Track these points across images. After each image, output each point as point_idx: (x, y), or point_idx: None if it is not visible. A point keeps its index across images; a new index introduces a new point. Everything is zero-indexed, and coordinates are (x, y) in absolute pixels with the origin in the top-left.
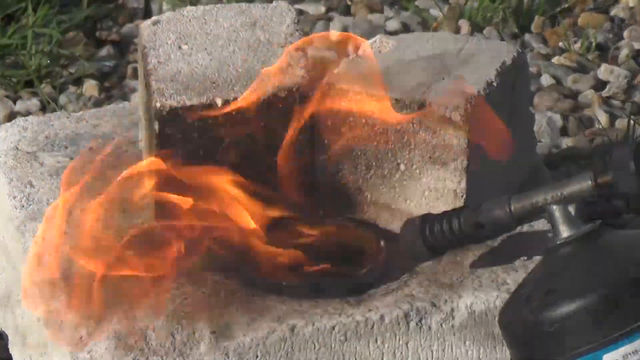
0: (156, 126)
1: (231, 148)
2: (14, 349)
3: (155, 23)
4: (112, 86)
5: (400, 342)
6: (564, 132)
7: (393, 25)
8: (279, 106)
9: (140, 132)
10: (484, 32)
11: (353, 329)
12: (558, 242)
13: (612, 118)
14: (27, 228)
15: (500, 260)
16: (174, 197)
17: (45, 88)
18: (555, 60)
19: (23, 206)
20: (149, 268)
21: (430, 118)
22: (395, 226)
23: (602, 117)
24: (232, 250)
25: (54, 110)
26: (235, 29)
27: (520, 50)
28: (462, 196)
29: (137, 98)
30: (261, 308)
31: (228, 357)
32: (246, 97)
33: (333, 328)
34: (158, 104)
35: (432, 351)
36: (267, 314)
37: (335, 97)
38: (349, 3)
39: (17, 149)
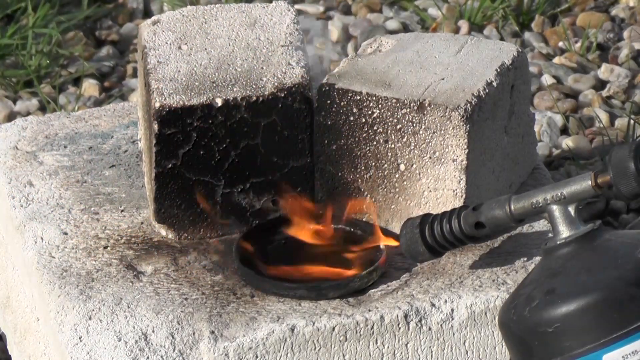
0: (155, 126)
1: (231, 148)
2: (13, 350)
3: (155, 23)
4: (112, 86)
5: (400, 342)
6: (564, 132)
7: (392, 25)
8: (278, 106)
9: (140, 132)
10: (484, 31)
11: (353, 329)
12: (558, 242)
13: (612, 118)
14: (27, 228)
15: (500, 260)
16: None
17: (45, 88)
18: (556, 60)
19: (22, 206)
20: None
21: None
22: (395, 226)
23: (603, 117)
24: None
25: (53, 110)
26: (235, 28)
27: (520, 50)
28: (462, 196)
29: (137, 97)
30: (261, 308)
31: (228, 357)
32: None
33: (333, 328)
34: (157, 104)
35: (431, 351)
36: (267, 314)
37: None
38: (349, 2)
39: (17, 148)
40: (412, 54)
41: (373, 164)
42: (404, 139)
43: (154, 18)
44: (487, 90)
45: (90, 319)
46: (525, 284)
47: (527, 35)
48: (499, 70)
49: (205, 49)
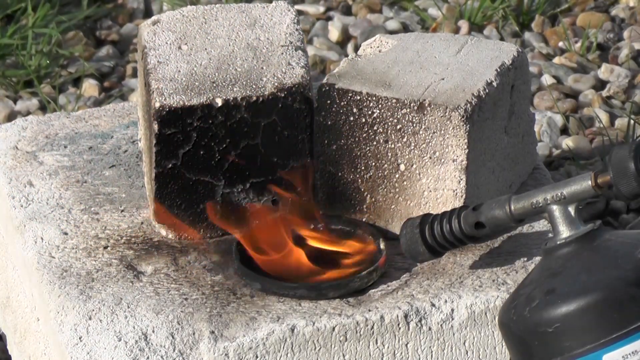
0: (155, 126)
1: (231, 148)
2: (13, 350)
3: (155, 23)
4: (112, 86)
5: (400, 342)
6: (564, 132)
7: (392, 25)
8: (278, 106)
9: (140, 132)
10: (484, 31)
11: (353, 329)
12: (558, 242)
13: (612, 118)
14: (27, 228)
15: (500, 260)
16: None
17: (45, 88)
18: (556, 60)
19: (22, 206)
20: None
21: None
22: (395, 226)
23: (603, 117)
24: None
25: (53, 110)
26: (235, 28)
27: (520, 50)
28: (462, 196)
29: (137, 97)
30: (261, 308)
31: (228, 357)
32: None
33: (333, 328)
34: (157, 104)
35: (431, 352)
36: (267, 314)
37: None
38: (349, 3)
39: (17, 148)
40: (412, 54)
41: (373, 164)
42: (404, 139)
43: (154, 18)
44: (487, 90)
45: (90, 319)
46: (525, 284)
47: (527, 35)
48: (499, 70)
49: (205, 49)
